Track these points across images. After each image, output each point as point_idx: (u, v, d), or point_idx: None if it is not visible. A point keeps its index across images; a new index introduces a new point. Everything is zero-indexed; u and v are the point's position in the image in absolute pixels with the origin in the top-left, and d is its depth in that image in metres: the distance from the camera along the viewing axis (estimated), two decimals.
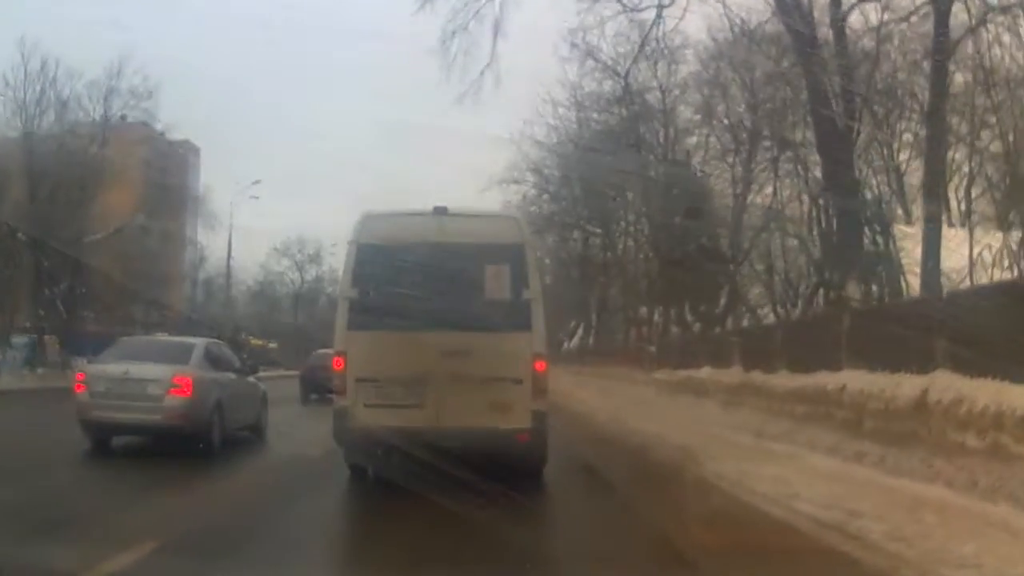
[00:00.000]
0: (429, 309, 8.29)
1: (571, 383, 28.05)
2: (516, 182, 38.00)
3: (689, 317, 32.13)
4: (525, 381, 8.27)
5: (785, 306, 22.74)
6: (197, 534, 6.45)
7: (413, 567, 5.69)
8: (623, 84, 29.37)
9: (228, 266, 52.97)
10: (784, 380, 14.15)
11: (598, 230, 36.94)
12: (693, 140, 33.05)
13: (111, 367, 11.48)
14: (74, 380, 11.81)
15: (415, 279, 8.47)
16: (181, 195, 62.44)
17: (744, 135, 29.75)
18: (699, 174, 31.98)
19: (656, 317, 36.20)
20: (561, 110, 34.81)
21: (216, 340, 14.40)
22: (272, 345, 68.89)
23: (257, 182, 50.81)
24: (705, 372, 18.25)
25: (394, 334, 8.31)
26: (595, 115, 33.37)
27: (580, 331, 47.18)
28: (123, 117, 52.98)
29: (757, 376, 15.47)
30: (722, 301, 31.10)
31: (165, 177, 63.29)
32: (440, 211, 8.68)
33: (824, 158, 19.78)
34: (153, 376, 11.11)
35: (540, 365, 8.39)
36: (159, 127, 56.20)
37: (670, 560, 6.00)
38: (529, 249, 8.94)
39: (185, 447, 10.94)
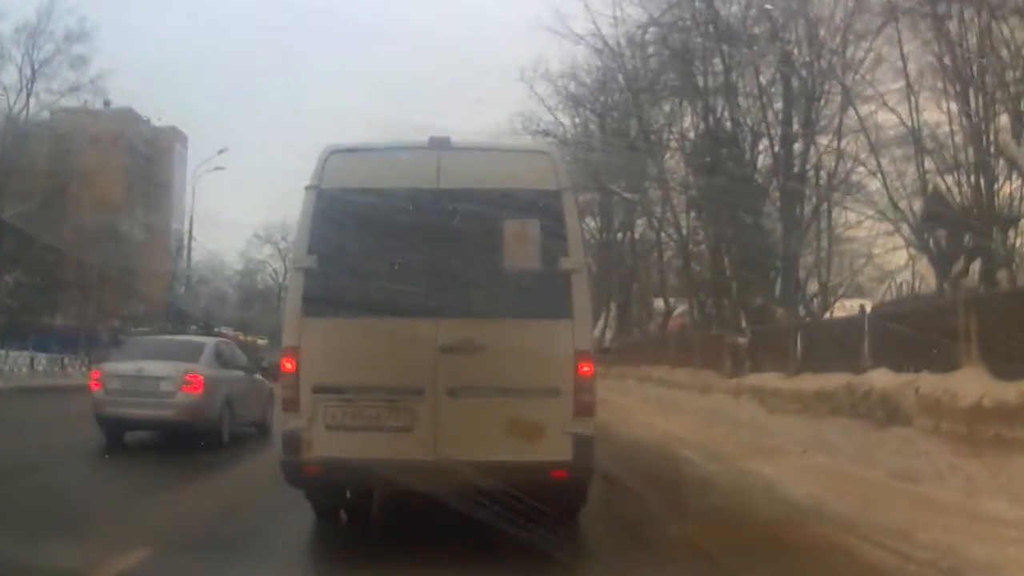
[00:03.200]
0: (422, 286, 5.82)
1: (608, 389, 19.79)
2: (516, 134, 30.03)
3: (726, 302, 24.58)
4: (563, 392, 5.69)
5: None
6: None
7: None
8: None
9: (188, 246, 45.80)
10: None
11: (630, 195, 28.63)
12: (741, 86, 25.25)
13: (125, 365, 11.74)
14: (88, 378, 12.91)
15: (402, 242, 5.98)
16: (151, 180, 60.18)
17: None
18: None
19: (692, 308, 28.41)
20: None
21: (225, 340, 14.72)
22: (262, 341, 63.37)
23: (223, 151, 43.74)
24: (887, 379, 10.13)
25: (370, 322, 5.82)
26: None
27: (600, 324, 39.07)
28: (107, 103, 51.51)
29: None
30: (778, 285, 23.95)
31: (144, 163, 61.37)
32: (440, 144, 6.11)
33: None
34: (166, 373, 11.35)
35: (585, 367, 5.76)
36: (148, 116, 55.46)
37: None
38: (569, 198, 6.11)
39: (195, 442, 10.93)
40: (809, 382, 12.06)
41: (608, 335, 39.81)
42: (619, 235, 36.96)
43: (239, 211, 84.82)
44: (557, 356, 5.75)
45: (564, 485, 5.79)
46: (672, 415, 15.26)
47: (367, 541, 6.41)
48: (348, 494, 6.51)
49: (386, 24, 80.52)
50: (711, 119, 22.32)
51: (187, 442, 10.92)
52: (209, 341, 13.09)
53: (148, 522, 6.60)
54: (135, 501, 7.58)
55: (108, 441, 11.35)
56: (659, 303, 37.59)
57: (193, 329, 47.37)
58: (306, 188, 6.07)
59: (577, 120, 32.98)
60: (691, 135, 24.26)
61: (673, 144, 25.40)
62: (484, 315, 5.86)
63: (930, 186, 19.68)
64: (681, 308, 34.60)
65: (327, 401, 5.78)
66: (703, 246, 25.50)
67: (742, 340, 15.70)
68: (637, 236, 34.30)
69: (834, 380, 11.24)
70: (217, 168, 42.94)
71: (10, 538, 5.54)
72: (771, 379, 13.49)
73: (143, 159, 65.34)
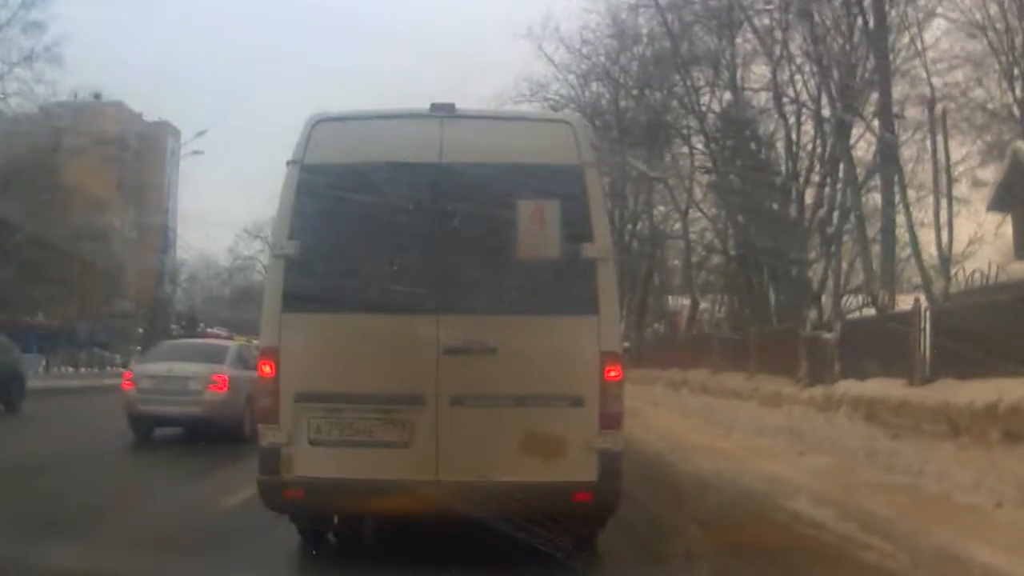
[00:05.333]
0: (422, 277, 5.16)
1: (635, 398, 15.93)
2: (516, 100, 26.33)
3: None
4: (588, 401, 4.99)
5: None
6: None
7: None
8: None
9: (166, 237, 42.78)
10: None
11: (655, 174, 24.80)
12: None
13: (156, 366, 12.67)
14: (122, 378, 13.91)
15: (399, 226, 5.28)
16: (141, 175, 59.45)
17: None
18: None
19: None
20: None
21: (245, 343, 16.45)
22: (256, 341, 60.44)
23: (202, 133, 41.11)
24: None
25: (361, 319, 5.18)
26: None
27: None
28: (97, 96, 53.31)
29: None
30: (815, 279, 20.46)
31: (134, 158, 60.96)
32: (443, 111, 5.38)
33: None
34: (194, 374, 12.18)
35: (612, 372, 5.03)
36: (140, 111, 54.83)
37: None
38: (593, 174, 5.32)
39: (220, 436, 11.58)
40: (958, 392, 8.20)
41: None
42: (630, 226, 33.10)
43: (236, 210, 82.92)
44: (580, 359, 5.07)
45: (588, 510, 5.11)
46: (736, 435, 11.44)
47: (366, 542, 6.02)
48: (336, 519, 5.73)
49: (384, 19, 78.30)
50: (775, 70, 18.70)
51: (210, 436, 11.59)
52: (232, 344, 14.68)
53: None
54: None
55: (137, 438, 12.14)
56: (670, 299, 33.96)
57: (174, 329, 43.96)
58: (288, 163, 5.34)
59: (587, 94, 29.16)
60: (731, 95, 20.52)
61: (712, 108, 21.59)
62: (494, 311, 5.17)
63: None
64: (703, 305, 30.82)
65: (311, 412, 5.12)
66: (738, 222, 21.77)
67: (829, 335, 11.87)
68: (656, 223, 30.42)
69: (1012, 390, 7.39)
70: (195, 152, 40.37)
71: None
72: (884, 388, 9.63)
73: (133, 154, 64.31)
